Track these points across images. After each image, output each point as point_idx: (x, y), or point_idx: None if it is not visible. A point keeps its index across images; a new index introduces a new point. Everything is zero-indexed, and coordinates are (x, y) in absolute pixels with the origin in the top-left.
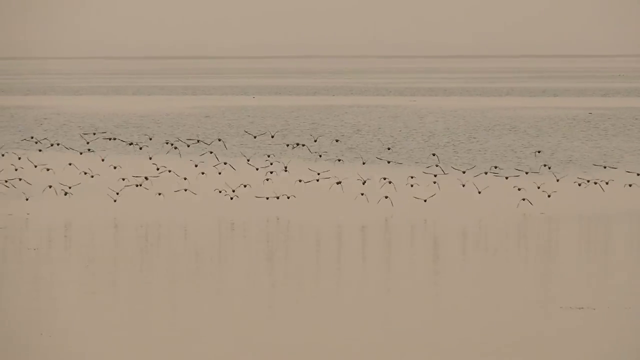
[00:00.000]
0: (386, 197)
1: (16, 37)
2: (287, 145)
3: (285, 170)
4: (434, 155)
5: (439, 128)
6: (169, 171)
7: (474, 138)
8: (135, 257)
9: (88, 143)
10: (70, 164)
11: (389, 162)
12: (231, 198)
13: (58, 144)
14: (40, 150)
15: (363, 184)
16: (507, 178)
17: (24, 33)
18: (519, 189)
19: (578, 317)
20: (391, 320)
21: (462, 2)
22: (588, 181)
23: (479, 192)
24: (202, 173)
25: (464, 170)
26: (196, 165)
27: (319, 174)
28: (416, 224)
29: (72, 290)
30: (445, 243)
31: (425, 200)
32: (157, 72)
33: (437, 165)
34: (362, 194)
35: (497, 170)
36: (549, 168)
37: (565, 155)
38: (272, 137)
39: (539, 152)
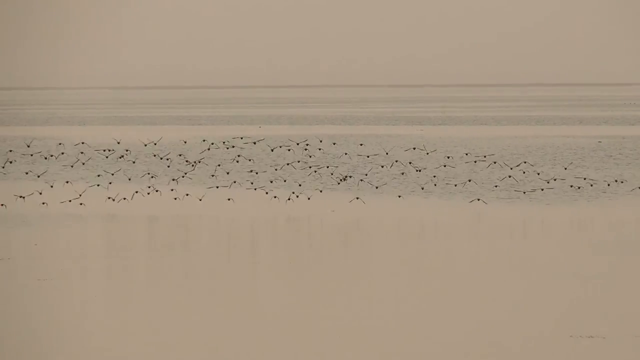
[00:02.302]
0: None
1: (25, 67)
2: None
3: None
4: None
5: (453, 157)
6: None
7: (478, 166)
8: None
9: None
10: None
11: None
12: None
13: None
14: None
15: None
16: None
17: (32, 63)
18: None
19: (588, 346)
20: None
21: (468, 31)
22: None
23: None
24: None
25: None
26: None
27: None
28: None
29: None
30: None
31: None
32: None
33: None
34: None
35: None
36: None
37: (578, 182)
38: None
39: (554, 179)
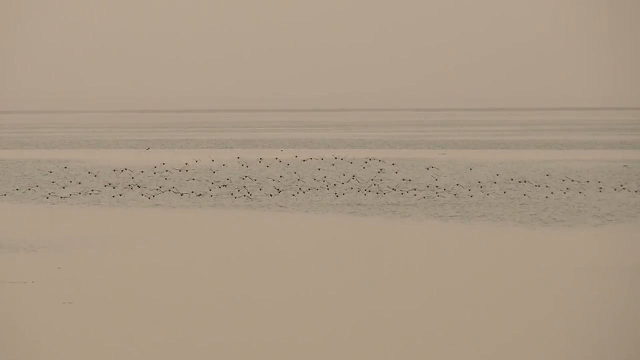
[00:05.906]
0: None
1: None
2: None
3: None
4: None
5: (482, 180)
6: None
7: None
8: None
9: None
10: None
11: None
12: None
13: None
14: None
15: None
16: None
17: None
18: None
19: None
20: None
21: (496, 55)
22: None
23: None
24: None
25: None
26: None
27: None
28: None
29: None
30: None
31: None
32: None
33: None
34: None
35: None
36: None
37: (605, 208)
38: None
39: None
